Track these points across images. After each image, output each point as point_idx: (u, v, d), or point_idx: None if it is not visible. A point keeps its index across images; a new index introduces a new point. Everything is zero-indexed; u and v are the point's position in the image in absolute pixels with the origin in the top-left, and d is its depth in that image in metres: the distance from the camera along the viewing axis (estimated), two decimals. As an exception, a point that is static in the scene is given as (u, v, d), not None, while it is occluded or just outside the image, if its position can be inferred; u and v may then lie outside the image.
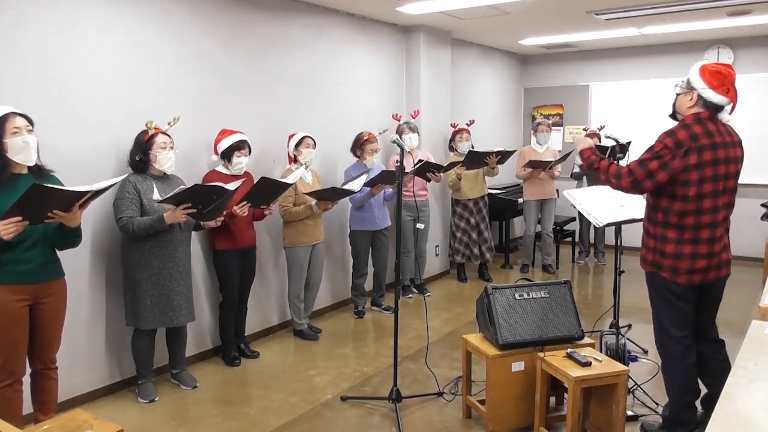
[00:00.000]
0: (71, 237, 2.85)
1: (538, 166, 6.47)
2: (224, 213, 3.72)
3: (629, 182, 2.87)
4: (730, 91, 2.82)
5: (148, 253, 3.56)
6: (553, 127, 7.14)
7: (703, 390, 3.13)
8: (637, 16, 5.75)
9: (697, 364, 3.01)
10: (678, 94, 2.96)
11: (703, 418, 2.99)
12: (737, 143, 2.89)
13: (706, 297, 2.99)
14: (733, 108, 2.88)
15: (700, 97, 2.84)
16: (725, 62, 7.23)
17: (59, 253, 2.93)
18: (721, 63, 2.93)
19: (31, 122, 2.75)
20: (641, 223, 3.15)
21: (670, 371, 3.03)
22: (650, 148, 2.85)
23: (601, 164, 3.02)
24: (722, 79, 2.80)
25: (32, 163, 2.75)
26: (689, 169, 2.75)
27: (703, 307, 3.01)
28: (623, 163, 4.71)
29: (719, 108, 2.84)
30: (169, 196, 3.30)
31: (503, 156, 5.93)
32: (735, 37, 7.23)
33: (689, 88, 2.88)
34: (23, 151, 2.69)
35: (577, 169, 7.03)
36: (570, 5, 5.40)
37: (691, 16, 5.87)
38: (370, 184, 4.74)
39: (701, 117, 2.83)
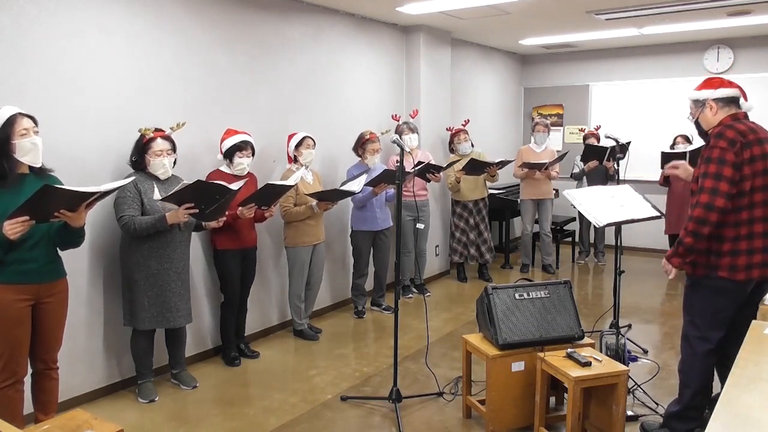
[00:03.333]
0: (75, 236, 2.87)
1: (533, 167, 6.48)
2: (226, 213, 3.72)
3: (723, 201, 2.74)
4: (732, 84, 2.96)
5: (147, 254, 3.56)
6: (552, 127, 7.14)
7: (716, 390, 3.12)
8: (637, 16, 5.75)
9: (721, 357, 2.98)
10: (697, 119, 3.00)
11: (708, 417, 2.97)
12: None
13: (755, 293, 2.93)
14: (744, 97, 2.98)
15: (716, 100, 2.91)
16: (725, 62, 7.31)
17: (60, 253, 2.94)
18: None
19: (36, 123, 2.77)
20: (642, 223, 3.14)
21: (689, 369, 3.01)
22: (709, 159, 2.79)
23: (687, 228, 2.80)
24: (718, 80, 2.99)
25: (39, 165, 2.77)
26: (744, 164, 2.77)
27: (751, 304, 2.94)
28: (623, 164, 4.72)
29: (737, 101, 2.93)
30: (171, 193, 3.29)
31: (503, 164, 6.00)
32: (735, 37, 7.23)
33: (700, 105, 2.96)
34: (31, 153, 2.71)
35: (576, 170, 7.03)
36: (570, 5, 5.40)
37: (691, 16, 5.87)
38: (372, 183, 4.75)
39: (738, 116, 2.90)
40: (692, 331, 2.99)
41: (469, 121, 6.46)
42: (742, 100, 2.96)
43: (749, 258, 2.82)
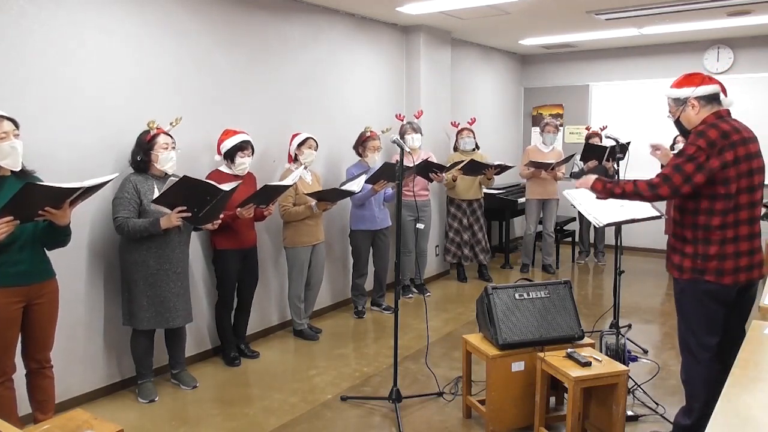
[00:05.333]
0: (61, 235, 2.86)
1: (539, 166, 6.48)
2: (221, 216, 3.70)
3: (667, 189, 2.75)
4: (712, 80, 2.86)
5: (146, 254, 3.56)
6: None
7: None
8: (637, 16, 5.75)
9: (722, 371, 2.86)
10: (678, 118, 2.92)
11: None
12: (756, 138, 2.86)
13: (743, 297, 2.88)
14: (724, 92, 2.87)
15: (698, 98, 2.81)
16: (725, 62, 7.31)
17: (53, 253, 2.94)
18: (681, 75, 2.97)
19: (17, 125, 2.75)
20: (642, 224, 3.11)
21: (695, 378, 2.91)
22: (681, 152, 2.76)
23: (625, 187, 2.87)
24: (697, 75, 2.87)
25: (18, 168, 2.76)
26: (728, 166, 2.69)
27: (739, 308, 2.89)
28: (623, 164, 4.72)
29: (719, 98, 2.83)
30: (161, 193, 3.29)
31: (501, 170, 5.99)
32: (735, 37, 7.23)
33: (682, 103, 2.86)
34: (10, 156, 2.70)
35: (576, 169, 7.03)
36: (570, 5, 5.40)
37: (691, 16, 5.87)
38: (372, 180, 4.75)
39: (722, 114, 2.81)
40: (692, 338, 2.89)
41: (475, 119, 6.46)
42: (722, 95, 2.85)
43: (736, 261, 2.75)
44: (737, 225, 2.75)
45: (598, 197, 3.03)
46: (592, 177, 3.03)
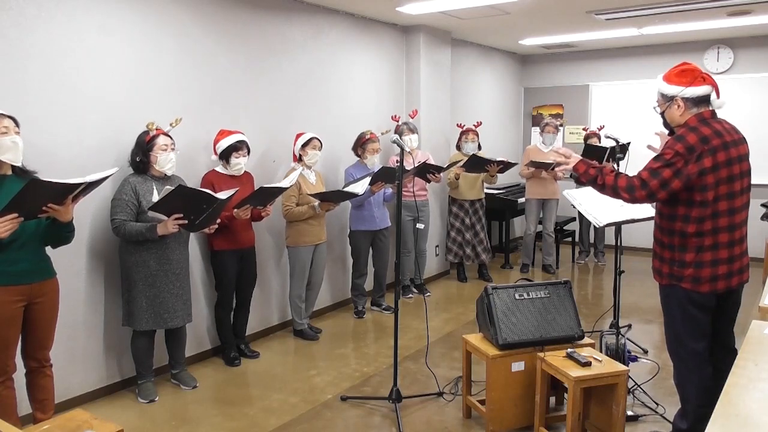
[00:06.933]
0: (65, 232, 2.88)
1: (539, 166, 6.48)
2: (217, 221, 3.68)
3: (644, 194, 2.70)
4: (707, 79, 2.75)
5: (146, 255, 3.56)
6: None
7: None
8: (637, 16, 5.76)
9: (714, 377, 2.82)
10: (663, 113, 2.84)
11: None
12: (744, 140, 2.79)
13: (726, 303, 2.84)
14: (717, 93, 2.79)
15: (685, 99, 2.73)
16: (725, 62, 7.30)
17: (53, 253, 2.95)
18: (678, 64, 2.84)
19: (17, 124, 2.77)
20: (641, 224, 3.09)
21: (686, 382, 2.89)
22: (660, 156, 2.70)
23: (606, 180, 2.81)
24: (691, 73, 2.75)
25: (19, 163, 2.77)
26: (705, 172, 2.62)
27: (724, 313, 2.86)
28: (623, 164, 4.72)
29: (708, 99, 2.75)
30: (157, 201, 3.29)
31: (505, 166, 5.97)
32: (735, 37, 7.23)
33: (668, 99, 2.78)
34: (11, 151, 2.72)
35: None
36: (570, 5, 5.40)
37: (691, 16, 5.87)
38: (369, 181, 4.75)
39: (704, 117, 2.72)
40: (678, 343, 2.87)
41: (481, 123, 6.44)
42: (713, 96, 2.75)
43: (714, 269, 2.69)
44: (716, 232, 2.68)
45: (581, 180, 2.94)
46: (576, 158, 2.98)
